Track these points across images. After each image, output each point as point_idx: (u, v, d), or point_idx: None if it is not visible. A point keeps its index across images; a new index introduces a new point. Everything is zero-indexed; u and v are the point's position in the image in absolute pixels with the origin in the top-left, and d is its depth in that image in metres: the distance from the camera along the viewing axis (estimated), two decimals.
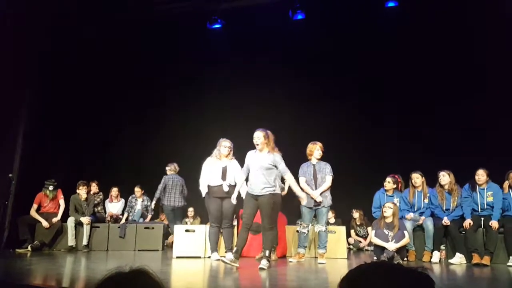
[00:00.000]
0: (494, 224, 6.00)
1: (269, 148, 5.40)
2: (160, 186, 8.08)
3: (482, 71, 8.04)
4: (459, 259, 6.08)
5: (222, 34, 9.73)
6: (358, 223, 8.69)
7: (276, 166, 5.35)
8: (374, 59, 8.90)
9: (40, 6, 8.27)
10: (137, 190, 8.87)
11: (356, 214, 8.66)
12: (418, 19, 8.62)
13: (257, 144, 5.35)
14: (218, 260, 6.22)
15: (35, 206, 7.94)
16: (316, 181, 6.19)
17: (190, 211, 9.44)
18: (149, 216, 8.83)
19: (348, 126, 9.09)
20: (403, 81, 8.74)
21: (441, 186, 6.60)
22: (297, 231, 6.66)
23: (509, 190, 6.29)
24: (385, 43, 8.86)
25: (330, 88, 9.17)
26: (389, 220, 6.09)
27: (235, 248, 5.36)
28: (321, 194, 6.10)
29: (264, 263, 5.15)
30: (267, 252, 5.27)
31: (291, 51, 9.37)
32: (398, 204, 6.65)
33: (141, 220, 8.62)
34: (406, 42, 8.67)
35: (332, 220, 8.57)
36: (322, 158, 6.38)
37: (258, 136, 5.38)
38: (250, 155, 5.49)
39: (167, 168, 8.32)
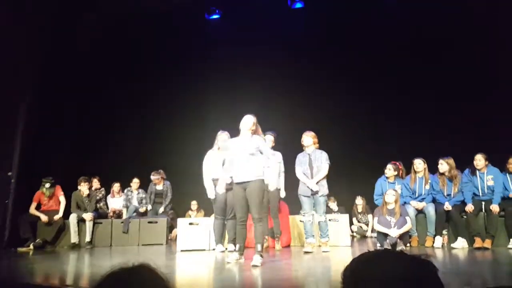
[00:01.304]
0: (495, 208, 6.02)
1: (254, 133, 5.13)
2: (170, 193, 8.65)
3: (482, 58, 8.04)
4: (461, 243, 6.10)
5: (221, 25, 9.70)
6: (359, 211, 8.73)
7: (261, 152, 5.06)
8: (373, 46, 8.90)
9: None
10: (136, 181, 8.83)
11: (359, 201, 8.69)
12: (418, 7, 8.58)
13: (244, 124, 5.08)
14: (223, 252, 6.25)
15: (34, 204, 7.91)
16: (312, 170, 6.14)
17: (194, 204, 9.46)
18: (144, 208, 8.71)
19: (349, 113, 9.10)
20: (403, 68, 8.72)
21: (441, 173, 6.62)
22: (301, 221, 6.65)
23: (507, 175, 6.29)
24: (384, 29, 8.85)
25: (331, 76, 9.17)
26: (391, 206, 6.12)
27: (237, 246, 5.20)
28: (317, 183, 6.06)
29: (257, 259, 4.74)
30: (259, 247, 4.89)
31: (290, 40, 9.34)
32: (400, 191, 6.67)
33: (134, 214, 8.51)
34: (405, 29, 8.66)
35: (335, 208, 8.60)
36: (322, 147, 6.34)
37: (249, 118, 5.12)
38: (232, 142, 5.25)
39: (158, 176, 8.58)
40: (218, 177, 6.25)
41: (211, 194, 6.38)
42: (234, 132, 5.40)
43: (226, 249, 6.34)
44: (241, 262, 4.96)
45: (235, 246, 5.61)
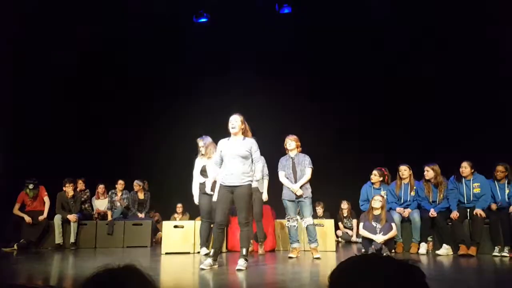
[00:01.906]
0: (479, 211, 6.05)
1: (245, 134, 5.03)
2: (148, 204, 8.75)
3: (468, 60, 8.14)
4: (445, 250, 6.13)
5: (209, 29, 9.69)
6: (345, 215, 8.78)
7: (251, 154, 4.97)
8: (360, 51, 8.95)
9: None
10: (121, 183, 8.78)
11: (345, 205, 8.74)
12: (404, 13, 8.66)
13: (233, 127, 4.94)
14: (206, 255, 6.23)
15: (17, 204, 7.87)
16: (295, 174, 6.04)
17: (179, 207, 9.42)
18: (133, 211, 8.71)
19: (335, 118, 9.13)
20: (391, 74, 8.79)
21: (427, 180, 6.66)
22: (287, 226, 6.63)
23: (495, 182, 6.35)
24: (371, 36, 8.91)
25: (316, 81, 9.21)
26: (377, 212, 6.14)
27: (212, 251, 5.03)
28: (301, 187, 5.97)
29: (241, 263, 4.70)
30: (244, 251, 4.83)
31: (277, 44, 9.36)
32: (385, 196, 6.70)
33: (121, 216, 8.46)
34: (393, 34, 8.73)
35: (321, 214, 8.64)
36: (308, 152, 6.29)
37: (236, 119, 4.98)
38: (223, 144, 5.05)
39: (141, 183, 8.68)
40: (201, 181, 6.31)
41: (195, 200, 6.49)
42: (219, 136, 5.33)
43: (208, 253, 6.33)
44: (215, 269, 4.83)
45: None
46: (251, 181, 4.99)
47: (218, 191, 5.11)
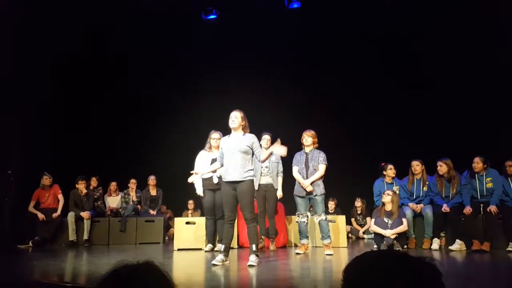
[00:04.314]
0: (493, 208, 6.00)
1: (245, 131, 5.03)
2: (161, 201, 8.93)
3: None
4: (458, 246, 6.09)
5: (217, 25, 9.69)
6: (358, 212, 8.76)
7: (252, 150, 4.95)
8: (369, 46, 8.90)
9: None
10: (133, 181, 8.84)
11: (358, 203, 8.72)
12: (415, 5, 8.60)
13: (233, 121, 4.94)
14: (207, 251, 6.33)
15: (32, 202, 7.99)
16: (307, 170, 5.97)
17: (190, 203, 9.47)
18: (140, 207, 8.78)
19: (349, 116, 9.10)
20: (401, 69, 8.74)
21: (440, 175, 6.62)
22: (297, 221, 6.63)
23: (507, 179, 6.30)
24: (380, 31, 8.86)
25: (329, 76, 9.16)
26: (388, 208, 6.12)
27: (222, 247, 5.00)
28: (313, 183, 5.91)
29: (252, 259, 4.73)
30: (253, 247, 4.84)
31: (287, 40, 9.33)
32: (397, 192, 6.68)
33: (132, 213, 8.49)
34: (399, 27, 8.67)
35: (332, 209, 8.62)
36: (321, 147, 6.20)
37: (236, 115, 4.98)
38: (224, 141, 5.08)
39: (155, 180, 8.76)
40: (205, 176, 6.31)
41: (199, 191, 6.52)
42: (228, 133, 5.32)
43: (213, 249, 6.39)
44: (227, 265, 4.83)
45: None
46: (253, 176, 4.99)
47: (222, 187, 5.13)
